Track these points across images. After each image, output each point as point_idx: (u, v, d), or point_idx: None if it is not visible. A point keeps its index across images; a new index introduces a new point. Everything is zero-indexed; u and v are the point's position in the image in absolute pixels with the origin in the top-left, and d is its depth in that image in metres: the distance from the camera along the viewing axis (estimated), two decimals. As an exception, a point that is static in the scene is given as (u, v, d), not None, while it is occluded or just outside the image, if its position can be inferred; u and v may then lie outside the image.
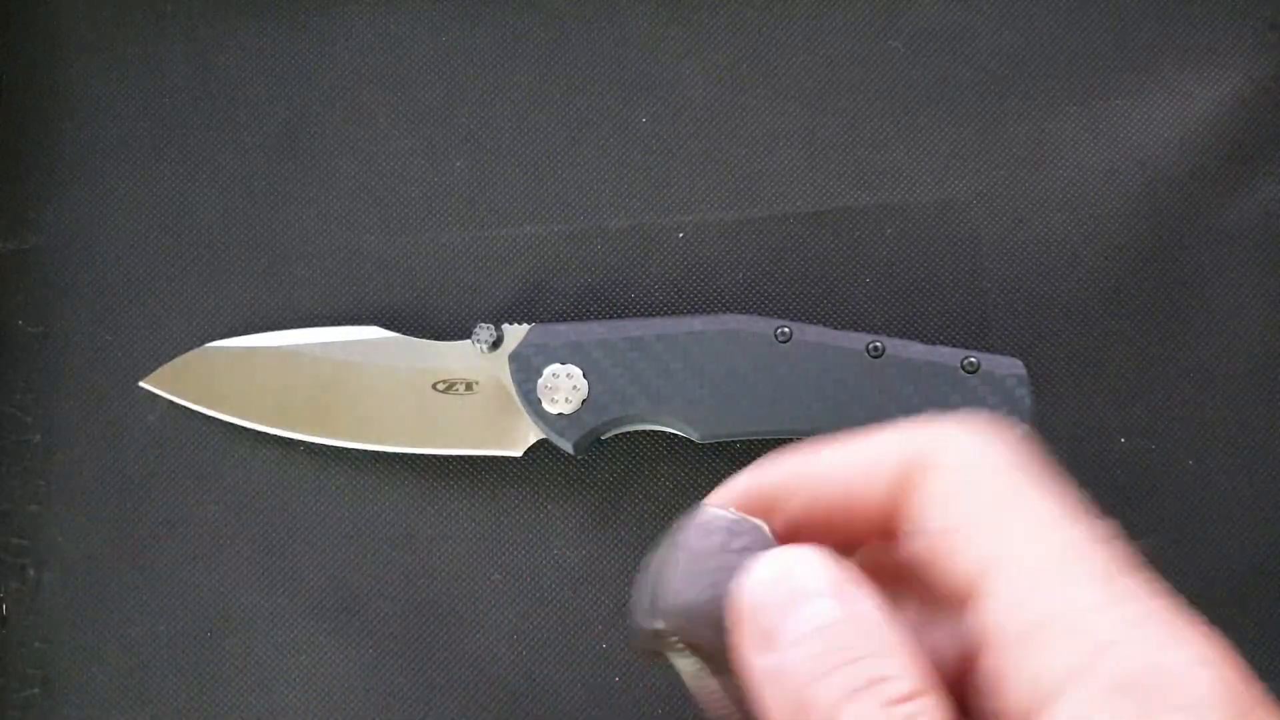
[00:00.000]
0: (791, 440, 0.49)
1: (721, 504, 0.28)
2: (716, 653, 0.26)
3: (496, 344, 0.48)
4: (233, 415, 0.49)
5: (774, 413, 0.46)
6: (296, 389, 0.49)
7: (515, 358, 0.48)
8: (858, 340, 0.46)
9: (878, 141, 0.50)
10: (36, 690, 0.49)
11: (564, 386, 0.47)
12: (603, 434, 0.48)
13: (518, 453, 0.48)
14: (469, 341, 0.48)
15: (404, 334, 0.50)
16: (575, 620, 0.49)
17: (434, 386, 0.49)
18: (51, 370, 0.51)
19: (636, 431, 0.49)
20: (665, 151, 0.52)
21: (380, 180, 0.53)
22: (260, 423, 0.49)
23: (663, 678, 0.48)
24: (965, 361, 0.46)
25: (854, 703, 0.24)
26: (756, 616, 0.25)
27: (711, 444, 0.48)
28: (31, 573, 0.50)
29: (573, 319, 0.49)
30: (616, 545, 0.50)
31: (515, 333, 0.48)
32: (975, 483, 0.26)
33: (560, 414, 0.47)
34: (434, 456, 0.49)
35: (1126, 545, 0.24)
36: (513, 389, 0.48)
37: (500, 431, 0.48)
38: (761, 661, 0.25)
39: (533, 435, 0.48)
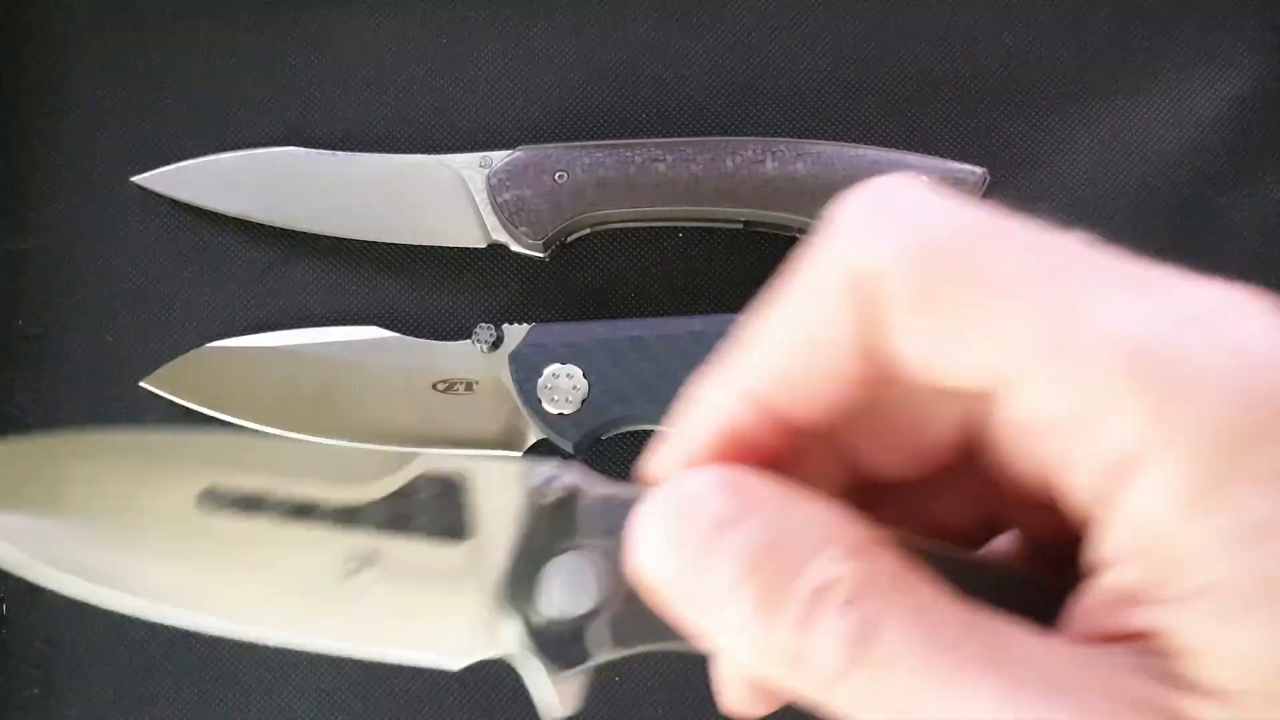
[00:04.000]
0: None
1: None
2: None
3: (496, 344, 0.48)
4: (233, 415, 0.49)
5: (774, 413, 0.46)
6: (297, 389, 0.49)
7: (515, 358, 0.48)
8: (858, 340, 0.46)
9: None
10: (36, 690, 0.49)
11: (564, 386, 0.47)
12: (603, 434, 0.48)
13: (518, 453, 0.48)
14: (469, 341, 0.48)
15: (404, 334, 0.50)
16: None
17: (434, 387, 0.49)
18: (51, 370, 0.51)
19: (636, 431, 0.49)
20: (665, 151, 0.52)
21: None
22: (261, 423, 0.49)
23: (663, 677, 0.48)
24: (965, 361, 0.46)
25: (816, 620, 0.21)
26: (673, 586, 0.23)
27: (711, 444, 0.48)
28: (31, 573, 0.50)
29: (573, 319, 0.49)
30: (616, 545, 0.50)
31: (515, 332, 0.48)
32: (943, 273, 0.21)
33: (560, 414, 0.47)
34: (434, 456, 0.49)
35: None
36: (513, 389, 0.48)
37: (500, 431, 0.48)
38: (711, 629, 0.23)
39: (533, 435, 0.48)
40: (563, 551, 0.29)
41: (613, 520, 0.28)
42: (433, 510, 0.30)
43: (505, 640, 0.29)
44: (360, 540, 0.29)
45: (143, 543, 0.29)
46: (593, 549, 0.29)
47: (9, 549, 0.29)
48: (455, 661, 0.29)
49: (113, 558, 0.29)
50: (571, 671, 0.29)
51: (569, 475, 0.29)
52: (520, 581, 0.29)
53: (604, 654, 0.29)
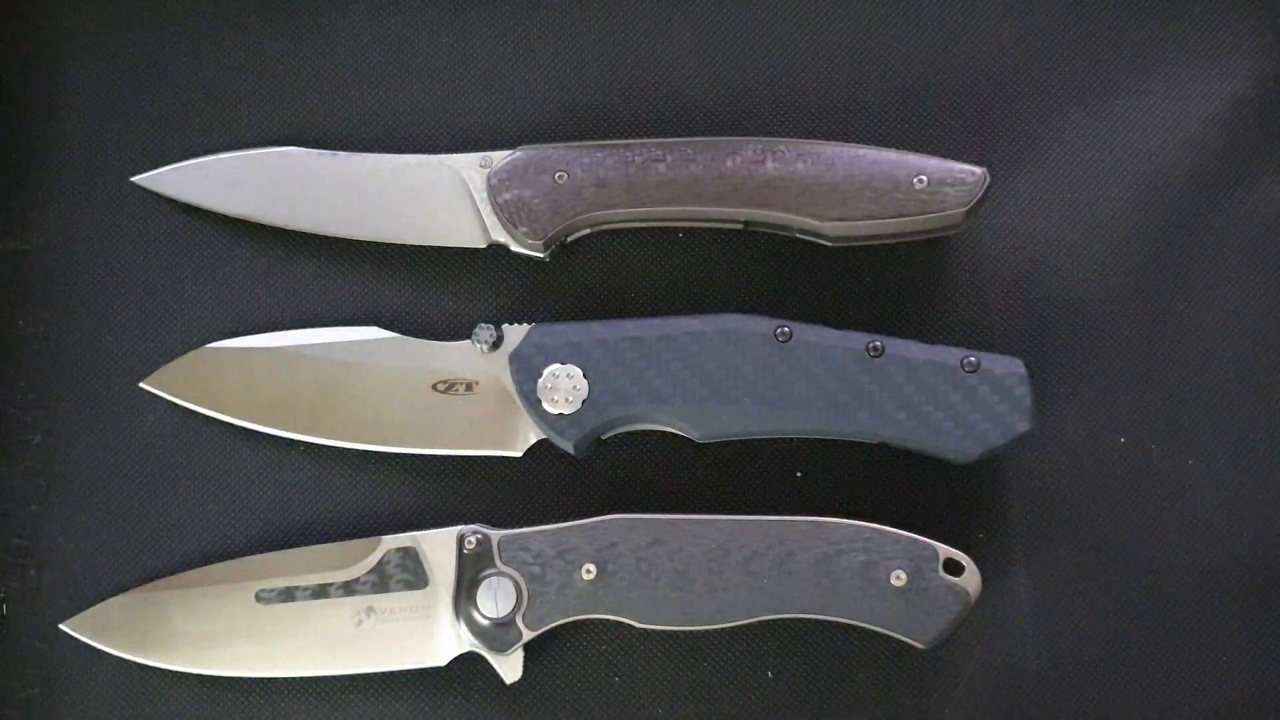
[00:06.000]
0: (790, 439, 0.49)
1: None
2: None
3: (496, 344, 0.48)
4: (233, 416, 0.49)
5: (774, 413, 0.46)
6: (296, 390, 0.49)
7: (515, 358, 0.48)
8: (858, 340, 0.46)
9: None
10: (36, 690, 0.49)
11: (564, 386, 0.47)
12: (603, 434, 0.48)
13: (518, 453, 0.48)
14: (469, 341, 0.48)
15: (404, 334, 0.50)
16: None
17: (434, 387, 0.49)
18: (51, 370, 0.51)
19: (636, 431, 0.49)
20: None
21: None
22: (260, 423, 0.49)
23: (663, 678, 0.48)
24: (965, 361, 0.46)
25: None
26: None
27: (711, 444, 0.48)
28: (31, 573, 0.50)
29: (573, 319, 0.49)
30: (616, 545, 0.50)
31: (515, 333, 0.48)
32: None
33: (560, 414, 0.47)
34: (434, 456, 0.49)
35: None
36: (513, 389, 0.48)
37: (500, 432, 0.48)
38: None
39: (533, 435, 0.48)
40: (486, 578, 0.46)
41: (514, 551, 0.46)
42: (401, 572, 0.47)
43: (464, 641, 0.46)
44: (360, 601, 0.47)
45: (227, 633, 0.47)
46: (504, 571, 0.46)
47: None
48: (439, 661, 0.47)
49: (210, 651, 0.47)
50: (509, 652, 0.46)
51: (482, 529, 0.46)
52: (463, 602, 0.46)
53: (527, 635, 0.46)
